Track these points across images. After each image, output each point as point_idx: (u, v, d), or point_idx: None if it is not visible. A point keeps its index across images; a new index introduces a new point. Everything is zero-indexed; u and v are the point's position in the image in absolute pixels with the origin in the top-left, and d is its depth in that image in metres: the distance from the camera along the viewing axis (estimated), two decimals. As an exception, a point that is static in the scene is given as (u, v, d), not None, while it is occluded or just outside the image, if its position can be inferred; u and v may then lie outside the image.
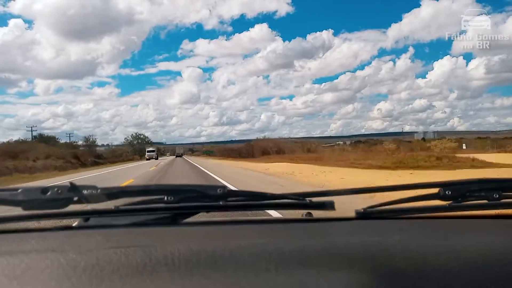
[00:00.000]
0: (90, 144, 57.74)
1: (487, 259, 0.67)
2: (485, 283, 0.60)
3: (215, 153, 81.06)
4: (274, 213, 3.29)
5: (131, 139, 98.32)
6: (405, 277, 0.61)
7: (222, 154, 67.71)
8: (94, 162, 43.58)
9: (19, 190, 0.81)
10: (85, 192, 0.81)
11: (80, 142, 56.40)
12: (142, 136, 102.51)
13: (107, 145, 78.59)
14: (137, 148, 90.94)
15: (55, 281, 0.58)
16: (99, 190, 0.82)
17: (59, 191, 0.81)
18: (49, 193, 0.80)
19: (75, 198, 0.81)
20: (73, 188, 0.81)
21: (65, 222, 0.92)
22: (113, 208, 0.87)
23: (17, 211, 0.81)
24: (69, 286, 0.56)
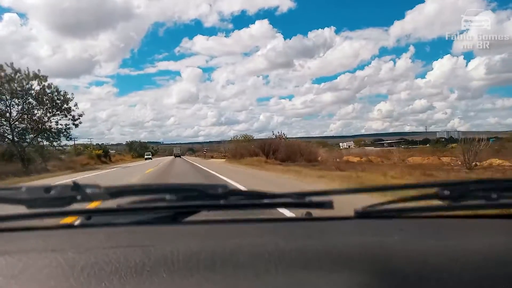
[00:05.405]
0: None
1: (486, 259, 0.67)
2: (484, 283, 0.60)
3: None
4: (274, 212, 3.30)
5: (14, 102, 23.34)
6: (405, 277, 0.61)
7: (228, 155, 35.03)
8: None
9: (23, 189, 0.81)
10: (88, 190, 0.82)
11: None
12: (60, 94, 24.59)
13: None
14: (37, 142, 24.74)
15: (53, 280, 0.58)
16: (101, 189, 0.83)
17: (62, 190, 0.81)
18: (52, 191, 0.81)
19: (78, 197, 0.81)
20: (76, 186, 0.82)
21: (67, 220, 0.93)
22: (115, 206, 0.87)
23: (21, 209, 0.81)
24: (67, 286, 0.56)
